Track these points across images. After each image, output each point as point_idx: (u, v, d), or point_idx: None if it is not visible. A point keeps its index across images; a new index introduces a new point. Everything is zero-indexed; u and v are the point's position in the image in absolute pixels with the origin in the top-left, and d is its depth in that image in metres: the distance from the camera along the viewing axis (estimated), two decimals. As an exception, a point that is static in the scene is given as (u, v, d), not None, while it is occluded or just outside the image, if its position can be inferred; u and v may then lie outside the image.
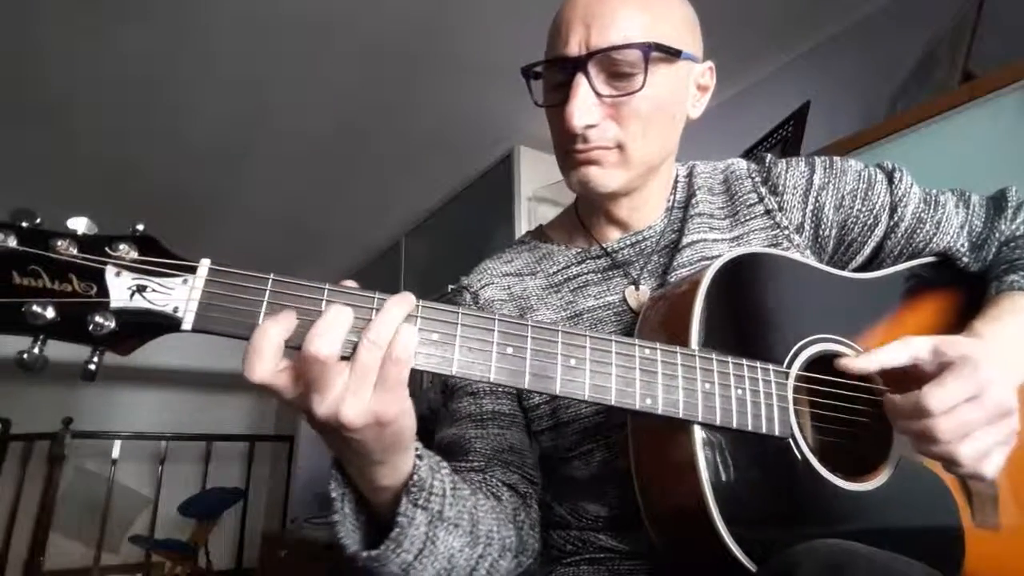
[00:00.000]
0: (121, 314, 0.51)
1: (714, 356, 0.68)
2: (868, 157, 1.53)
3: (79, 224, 0.51)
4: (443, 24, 2.22)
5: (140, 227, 0.54)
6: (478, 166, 3.17)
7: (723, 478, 0.64)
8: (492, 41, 2.30)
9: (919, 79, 1.76)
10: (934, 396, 0.64)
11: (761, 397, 0.68)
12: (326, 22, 2.19)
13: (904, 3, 2.04)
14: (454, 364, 0.58)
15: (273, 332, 0.51)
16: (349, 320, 0.53)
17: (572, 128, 0.77)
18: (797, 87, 2.25)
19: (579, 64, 0.77)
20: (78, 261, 0.50)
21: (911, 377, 0.69)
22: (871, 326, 0.80)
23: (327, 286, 0.56)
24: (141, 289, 0.51)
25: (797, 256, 0.82)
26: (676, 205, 0.92)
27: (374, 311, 0.55)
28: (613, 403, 0.62)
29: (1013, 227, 0.88)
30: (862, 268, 0.89)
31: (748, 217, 0.89)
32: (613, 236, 0.91)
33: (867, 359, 0.70)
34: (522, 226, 2.82)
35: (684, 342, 0.68)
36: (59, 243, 0.50)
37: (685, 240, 0.87)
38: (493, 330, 0.60)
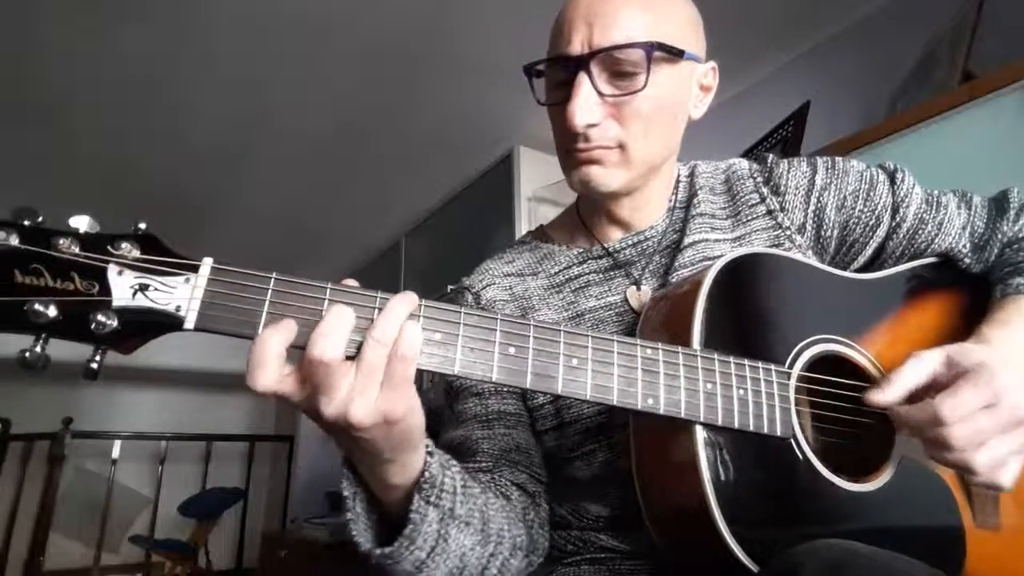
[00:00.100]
0: (123, 313, 0.51)
1: (716, 356, 0.68)
2: (868, 157, 1.53)
3: (81, 223, 0.51)
4: (443, 24, 2.22)
5: (142, 226, 0.53)
6: (478, 166, 3.16)
7: (725, 478, 0.64)
8: (492, 41, 2.30)
9: (919, 79, 1.76)
10: (947, 405, 0.63)
11: (763, 397, 0.68)
12: (326, 22, 2.19)
13: (904, 3, 2.04)
14: (456, 363, 0.58)
15: (274, 341, 0.51)
16: (352, 320, 0.53)
17: (573, 127, 0.77)
18: (797, 87, 2.25)
19: (581, 63, 0.77)
20: (80, 260, 0.50)
21: (926, 390, 0.68)
22: (873, 327, 0.80)
23: (329, 285, 0.56)
24: (143, 288, 0.51)
25: (799, 256, 0.82)
26: (678, 205, 0.92)
27: (376, 310, 0.55)
28: (615, 403, 0.62)
29: (1016, 228, 0.88)
30: (864, 269, 0.89)
31: (750, 217, 0.89)
32: (615, 236, 0.91)
33: (890, 391, 0.68)
34: (522, 226, 2.82)
35: (686, 342, 0.68)
36: (61, 242, 0.50)
37: (687, 240, 0.87)
38: (495, 330, 0.60)
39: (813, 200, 0.87)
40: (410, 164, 3.15)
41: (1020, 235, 0.88)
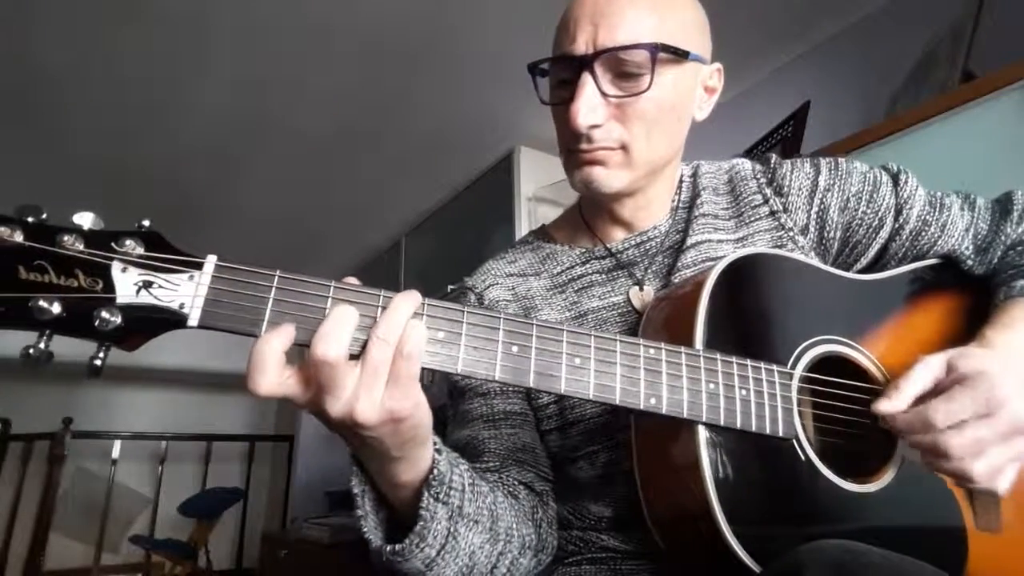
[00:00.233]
0: (127, 310, 0.50)
1: (718, 356, 0.68)
2: (868, 157, 1.54)
3: (85, 219, 0.51)
4: (443, 24, 2.22)
5: (146, 223, 0.53)
6: (478, 166, 3.16)
7: (727, 478, 0.64)
8: (492, 41, 2.30)
9: (919, 79, 1.76)
10: (939, 411, 0.64)
11: (765, 398, 0.68)
12: (326, 22, 2.19)
13: (904, 3, 2.04)
14: (459, 362, 0.58)
15: (272, 345, 0.51)
16: (355, 319, 0.53)
17: (576, 128, 0.77)
18: (797, 87, 2.25)
19: (585, 63, 0.77)
20: (84, 257, 0.50)
21: (927, 392, 0.69)
22: (875, 328, 0.80)
23: (333, 283, 0.55)
24: (147, 285, 0.51)
25: (802, 257, 0.82)
26: (681, 205, 0.92)
27: (380, 309, 0.55)
28: (618, 403, 0.62)
29: (1019, 231, 0.87)
30: (866, 270, 0.89)
31: (753, 218, 0.89)
32: (617, 236, 0.91)
33: (898, 400, 0.68)
34: (522, 226, 2.82)
35: (688, 342, 0.69)
36: (65, 238, 0.49)
37: (690, 241, 0.87)
38: (498, 329, 0.60)
39: (816, 201, 0.87)
40: (410, 164, 3.15)
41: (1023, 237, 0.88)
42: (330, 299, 0.55)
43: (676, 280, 0.84)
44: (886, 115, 1.81)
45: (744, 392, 0.68)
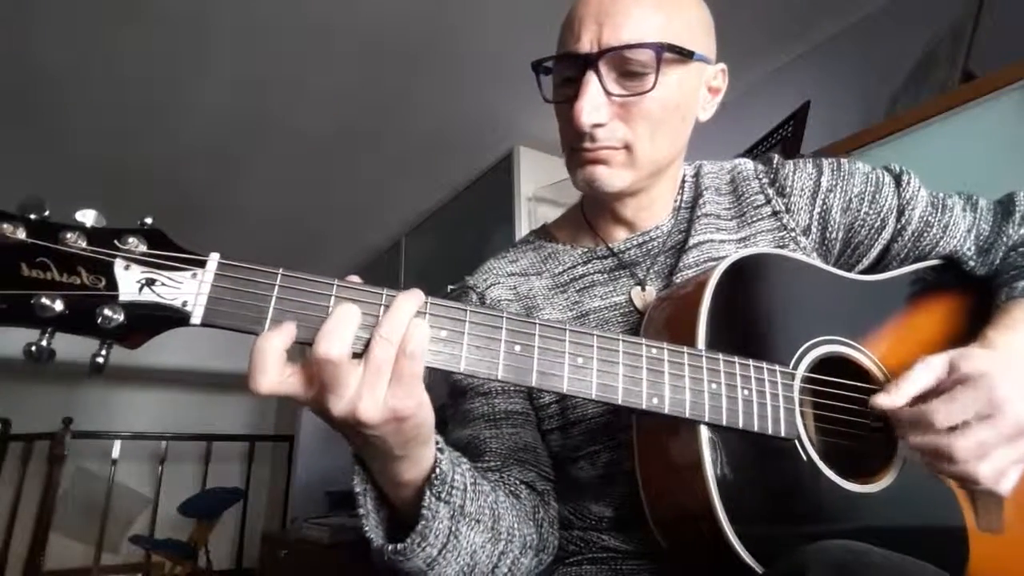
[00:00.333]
0: (130, 307, 0.50)
1: (721, 356, 0.68)
2: (868, 157, 1.54)
3: (87, 217, 0.51)
4: (443, 24, 2.22)
5: (148, 220, 0.53)
6: (478, 166, 3.16)
7: (729, 478, 0.64)
8: (492, 41, 2.30)
9: (919, 79, 1.76)
10: (940, 411, 0.64)
11: (767, 398, 0.68)
12: (326, 23, 2.19)
13: (904, 3, 2.04)
14: (462, 361, 0.58)
15: (272, 344, 0.51)
16: (358, 318, 0.53)
17: (580, 126, 0.76)
18: (797, 87, 2.25)
19: (590, 61, 0.76)
20: (87, 254, 0.50)
21: (928, 392, 0.69)
22: (877, 328, 0.80)
23: (336, 282, 0.55)
24: (150, 283, 0.51)
25: (804, 258, 0.82)
26: (683, 205, 0.92)
27: (383, 307, 0.55)
28: (620, 402, 0.62)
29: (1021, 232, 0.87)
30: (868, 270, 0.89)
31: (755, 218, 0.89)
32: (619, 236, 0.91)
33: (897, 395, 0.68)
34: (522, 226, 2.82)
35: (691, 342, 0.69)
36: (68, 236, 0.49)
37: (692, 241, 0.87)
38: (501, 328, 0.60)
39: (819, 201, 0.87)
40: (410, 164, 3.15)
41: None
42: (333, 297, 0.55)
43: (678, 280, 0.84)
44: (886, 115, 1.81)
45: (746, 392, 0.68)
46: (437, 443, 0.62)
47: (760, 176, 0.91)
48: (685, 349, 0.67)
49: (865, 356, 0.78)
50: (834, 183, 0.87)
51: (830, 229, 0.87)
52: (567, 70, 0.80)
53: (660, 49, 0.75)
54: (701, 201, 0.91)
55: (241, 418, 5.45)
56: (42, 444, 4.31)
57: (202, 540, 4.27)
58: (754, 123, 2.18)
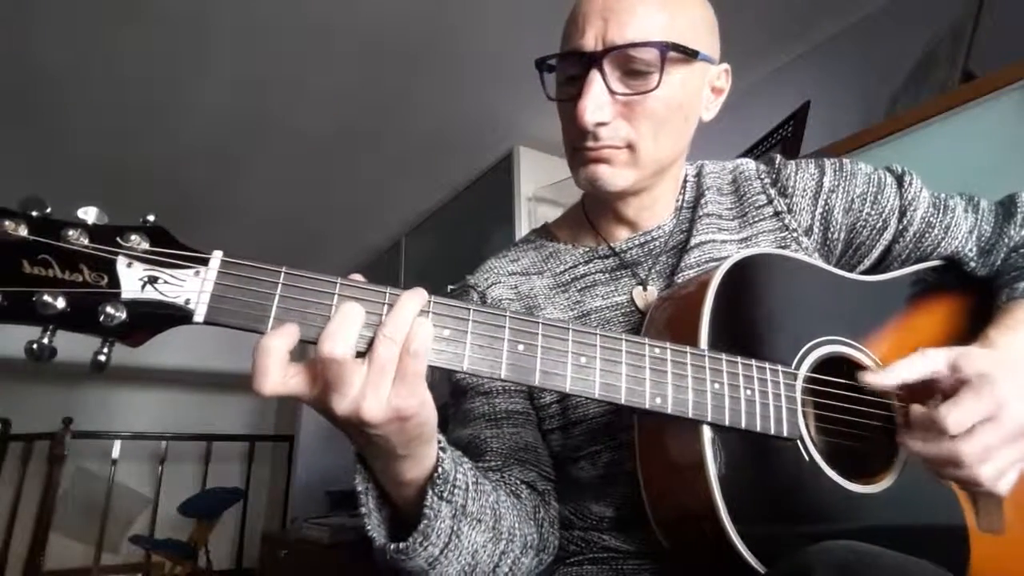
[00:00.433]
0: (132, 305, 0.50)
1: (724, 356, 0.68)
2: (868, 157, 1.54)
3: (89, 214, 0.51)
4: (443, 24, 2.22)
5: (151, 218, 0.53)
6: (478, 166, 3.16)
7: (731, 478, 0.64)
8: (492, 41, 2.30)
9: (919, 79, 1.76)
10: (951, 416, 0.63)
11: (770, 398, 0.68)
12: (326, 23, 2.19)
13: (904, 3, 2.04)
14: (465, 360, 0.58)
15: (275, 346, 0.51)
16: (362, 317, 0.53)
17: (583, 125, 0.76)
18: (797, 87, 2.24)
19: (594, 59, 0.76)
20: (89, 251, 0.50)
21: (925, 388, 0.69)
22: (879, 328, 0.80)
23: (339, 280, 0.55)
24: (153, 280, 0.51)
25: (806, 258, 0.82)
26: (685, 205, 0.92)
27: (386, 306, 0.55)
28: (623, 402, 0.62)
29: (1023, 233, 0.87)
30: (870, 271, 0.89)
31: (757, 218, 0.89)
32: (621, 235, 0.91)
33: (887, 375, 0.68)
34: (522, 226, 2.82)
35: (693, 342, 0.68)
36: (70, 233, 0.49)
37: (693, 241, 0.87)
38: (504, 327, 0.60)
39: (821, 202, 0.87)
40: (410, 164, 3.15)
41: None
42: (336, 296, 0.55)
43: (679, 280, 0.84)
44: (886, 115, 1.81)
45: (749, 392, 0.68)
46: (439, 442, 0.62)
47: (762, 176, 0.91)
48: (688, 349, 0.67)
49: (867, 356, 0.78)
50: (836, 184, 0.87)
51: (832, 230, 0.87)
52: (571, 68, 0.80)
53: (665, 48, 0.75)
54: (703, 201, 0.90)
55: (241, 418, 5.45)
56: (42, 444, 4.31)
57: (202, 540, 4.27)
58: (754, 123, 2.18)
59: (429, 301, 0.57)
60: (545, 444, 0.87)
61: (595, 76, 0.76)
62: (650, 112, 0.78)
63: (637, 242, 0.89)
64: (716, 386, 0.66)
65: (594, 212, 0.94)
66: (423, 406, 0.55)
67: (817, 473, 0.69)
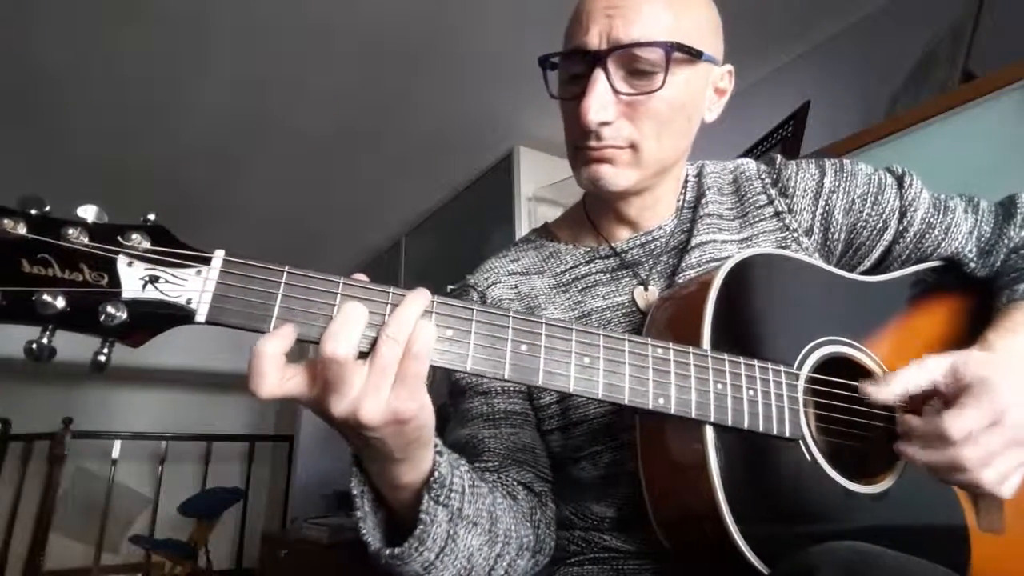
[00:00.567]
0: (133, 305, 0.50)
1: (726, 357, 0.68)
2: (868, 157, 1.54)
3: (89, 213, 0.50)
4: (443, 24, 2.22)
5: (151, 217, 0.53)
6: (478, 166, 3.16)
7: (734, 478, 0.64)
8: (492, 41, 2.30)
9: (919, 79, 1.76)
10: (954, 424, 0.63)
11: (772, 399, 0.68)
12: (326, 22, 2.19)
13: (904, 3, 2.04)
14: (468, 360, 0.57)
15: (270, 349, 0.50)
16: (364, 317, 0.53)
17: (587, 124, 0.76)
18: (797, 87, 2.24)
19: (599, 58, 0.75)
20: (89, 250, 0.49)
21: (924, 394, 0.69)
22: (880, 329, 0.80)
23: (341, 280, 0.55)
24: (154, 280, 0.50)
25: (807, 258, 0.82)
26: (686, 205, 0.92)
27: (389, 306, 0.55)
28: (626, 402, 0.62)
29: (1022, 234, 0.87)
30: (870, 271, 0.89)
31: (757, 219, 0.89)
32: (622, 235, 0.91)
33: (889, 389, 0.68)
34: (522, 226, 2.82)
35: (695, 342, 0.68)
36: (70, 232, 0.49)
37: (694, 241, 0.86)
38: (507, 327, 0.59)
39: (821, 202, 0.87)
40: (410, 164, 3.15)
41: None
42: (339, 295, 0.54)
43: (680, 280, 0.84)
44: (886, 115, 1.81)
45: (751, 392, 0.67)
46: (436, 446, 0.61)
47: (763, 176, 0.91)
48: (691, 349, 0.67)
49: (868, 357, 0.78)
50: (837, 184, 0.87)
51: (832, 230, 0.87)
52: (574, 66, 0.79)
53: (670, 48, 0.74)
54: (704, 201, 0.90)
55: (241, 418, 5.45)
56: (42, 444, 4.31)
57: (202, 540, 4.27)
58: (754, 123, 2.18)
59: (432, 301, 0.57)
60: (543, 445, 0.86)
61: (599, 75, 0.75)
62: (653, 112, 0.77)
63: (638, 242, 0.89)
64: (719, 386, 0.66)
65: (595, 212, 0.93)
66: (422, 409, 0.55)
67: (819, 473, 0.69)
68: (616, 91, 0.76)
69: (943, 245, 0.87)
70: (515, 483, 0.81)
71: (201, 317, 0.51)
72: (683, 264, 0.85)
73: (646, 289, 0.86)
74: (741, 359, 0.68)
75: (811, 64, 2.31)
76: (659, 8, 0.76)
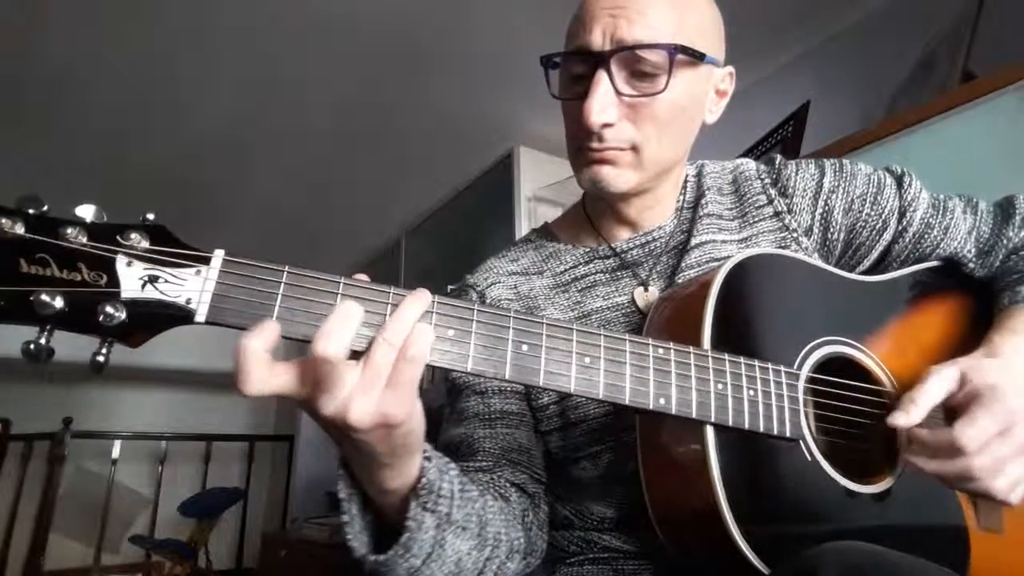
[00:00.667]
0: (132, 305, 0.49)
1: (727, 357, 0.67)
2: (868, 157, 1.54)
3: (87, 212, 0.50)
4: (443, 24, 2.22)
5: (151, 216, 0.52)
6: (478, 166, 3.16)
7: (734, 478, 0.64)
8: (492, 41, 2.30)
9: (919, 79, 1.76)
10: (966, 434, 0.63)
11: (772, 399, 0.68)
12: (326, 22, 2.19)
13: (904, 3, 2.04)
14: (469, 361, 0.57)
15: (253, 345, 0.49)
16: (359, 318, 0.52)
17: (589, 126, 0.75)
18: (797, 87, 2.25)
19: (602, 59, 0.75)
20: (88, 250, 0.48)
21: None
22: (879, 329, 0.81)
23: (342, 279, 0.55)
24: (153, 279, 0.50)
25: (806, 258, 0.82)
26: (685, 205, 0.92)
27: (389, 306, 0.55)
28: (627, 402, 0.62)
29: (1022, 235, 0.88)
30: (869, 271, 0.89)
31: (757, 219, 0.89)
32: (622, 235, 0.91)
33: (918, 412, 0.67)
34: (522, 226, 2.82)
35: (696, 342, 0.68)
36: (68, 231, 0.48)
37: (694, 241, 0.86)
38: (508, 327, 0.59)
39: (821, 203, 0.87)
40: (410, 164, 3.15)
41: None
42: (339, 296, 0.54)
43: (680, 280, 0.84)
44: (886, 115, 1.81)
45: (752, 393, 0.67)
46: (425, 452, 0.61)
47: (762, 176, 0.91)
48: (691, 349, 0.66)
49: (867, 357, 0.78)
50: (836, 184, 0.87)
51: (831, 230, 0.87)
52: (577, 66, 0.79)
53: (674, 51, 0.74)
54: (703, 201, 0.90)
55: (241, 418, 5.45)
56: (42, 444, 4.31)
57: (202, 540, 4.27)
58: (754, 123, 2.18)
59: (433, 301, 0.57)
60: (540, 446, 0.86)
61: (602, 76, 0.75)
62: (656, 114, 0.77)
63: (638, 242, 0.89)
64: (719, 386, 0.66)
65: (595, 212, 0.93)
66: (411, 416, 0.54)
67: (819, 473, 0.69)
68: (619, 93, 0.76)
69: (942, 245, 0.87)
70: (508, 484, 0.80)
71: (201, 317, 0.51)
72: (683, 264, 0.85)
73: (646, 289, 0.86)
74: (741, 359, 0.68)
75: (811, 64, 2.31)
76: (664, 9, 0.75)
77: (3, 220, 0.47)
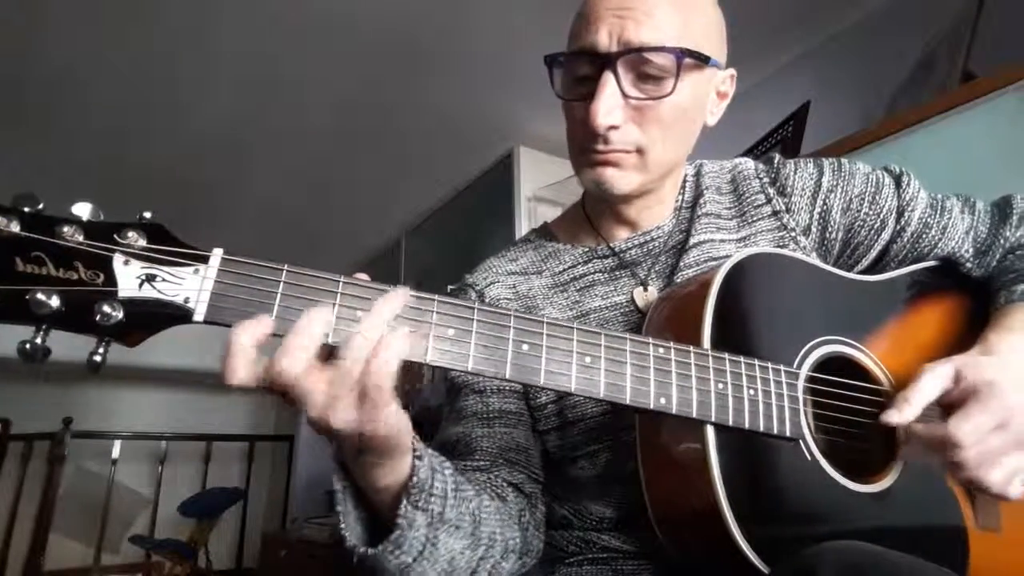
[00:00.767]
0: (130, 304, 0.49)
1: (727, 356, 0.67)
2: (868, 157, 1.54)
3: (83, 210, 0.50)
4: (443, 24, 2.22)
5: (148, 215, 0.52)
6: (478, 166, 3.17)
7: (734, 478, 0.64)
8: (492, 41, 2.30)
9: (919, 79, 1.76)
10: (961, 429, 0.64)
11: (772, 398, 0.68)
12: (326, 22, 2.19)
13: (904, 3, 2.05)
14: (470, 360, 0.57)
15: (242, 338, 0.49)
16: (322, 327, 0.51)
17: (595, 128, 0.75)
18: (797, 87, 2.25)
19: (609, 61, 0.74)
20: (85, 248, 0.48)
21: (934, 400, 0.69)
22: (878, 328, 0.81)
23: (341, 278, 0.54)
24: (151, 278, 0.49)
25: (805, 257, 0.82)
26: (684, 205, 0.92)
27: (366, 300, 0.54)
28: (628, 402, 0.62)
29: (1018, 234, 0.88)
30: (867, 271, 0.89)
31: (755, 218, 0.89)
32: (621, 235, 0.90)
33: (911, 410, 0.67)
34: (522, 226, 2.82)
35: (696, 342, 0.68)
36: (65, 229, 0.48)
37: (692, 240, 0.86)
38: (509, 327, 0.59)
39: (819, 202, 0.87)
40: (410, 164, 3.15)
41: (1022, 241, 0.88)
42: (339, 294, 0.54)
43: (678, 280, 0.84)
44: (886, 115, 1.81)
45: (752, 392, 0.67)
46: (415, 450, 0.60)
47: (761, 175, 0.91)
48: (691, 349, 0.66)
49: (866, 356, 0.78)
50: (835, 183, 0.87)
51: (830, 229, 0.87)
52: (582, 67, 0.78)
53: (681, 55, 0.73)
54: (702, 200, 0.90)
55: (241, 418, 5.45)
56: (42, 444, 4.32)
57: (202, 540, 4.27)
58: (754, 123, 2.18)
59: (434, 301, 0.56)
60: (538, 446, 0.86)
61: (609, 78, 0.74)
62: (660, 117, 0.77)
63: (637, 242, 0.89)
64: (720, 386, 0.66)
65: (594, 212, 0.93)
66: (385, 424, 0.53)
67: (819, 473, 0.69)
68: (625, 95, 0.75)
69: (940, 245, 0.87)
70: (505, 484, 0.80)
71: (199, 316, 0.51)
72: (681, 264, 0.85)
73: (645, 289, 0.86)
74: (741, 358, 0.68)
75: (811, 64, 2.32)
76: (670, 11, 0.75)
77: (-1, 218, 0.47)
